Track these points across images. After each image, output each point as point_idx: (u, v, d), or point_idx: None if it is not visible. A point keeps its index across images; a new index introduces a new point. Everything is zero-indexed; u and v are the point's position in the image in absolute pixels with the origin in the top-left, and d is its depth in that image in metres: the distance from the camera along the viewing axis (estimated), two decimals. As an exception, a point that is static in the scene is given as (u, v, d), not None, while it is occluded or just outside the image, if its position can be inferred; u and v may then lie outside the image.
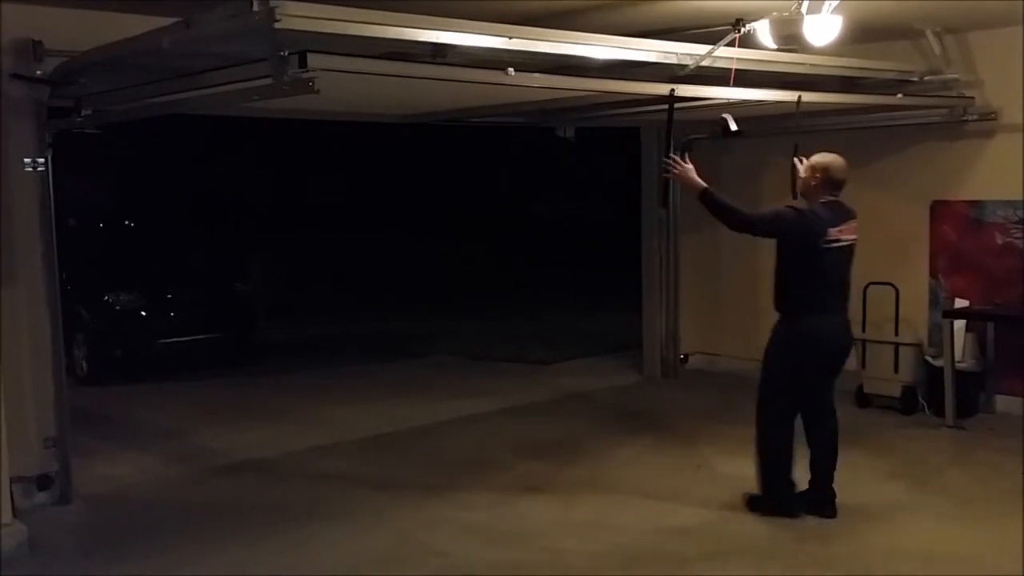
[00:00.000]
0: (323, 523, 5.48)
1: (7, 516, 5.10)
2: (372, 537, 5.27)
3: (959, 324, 7.33)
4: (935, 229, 7.85)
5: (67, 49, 5.35)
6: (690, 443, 6.91)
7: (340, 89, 4.58)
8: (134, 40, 4.51)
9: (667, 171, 5.29)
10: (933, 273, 7.88)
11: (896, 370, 7.64)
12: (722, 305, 9.09)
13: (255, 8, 3.53)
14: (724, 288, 9.10)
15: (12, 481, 5.22)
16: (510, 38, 4.49)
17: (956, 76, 7.30)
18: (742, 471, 5.62)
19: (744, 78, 5.60)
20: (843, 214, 5.18)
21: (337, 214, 20.47)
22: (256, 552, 5.08)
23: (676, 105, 5.42)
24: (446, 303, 15.45)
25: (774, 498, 5.38)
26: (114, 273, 10.36)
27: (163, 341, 9.99)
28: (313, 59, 3.84)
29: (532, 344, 11.40)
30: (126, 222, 12.61)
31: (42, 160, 5.67)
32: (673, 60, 5.31)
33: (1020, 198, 7.33)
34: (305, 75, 3.87)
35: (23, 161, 5.61)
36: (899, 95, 6.96)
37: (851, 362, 7.93)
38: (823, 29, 5.21)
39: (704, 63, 5.36)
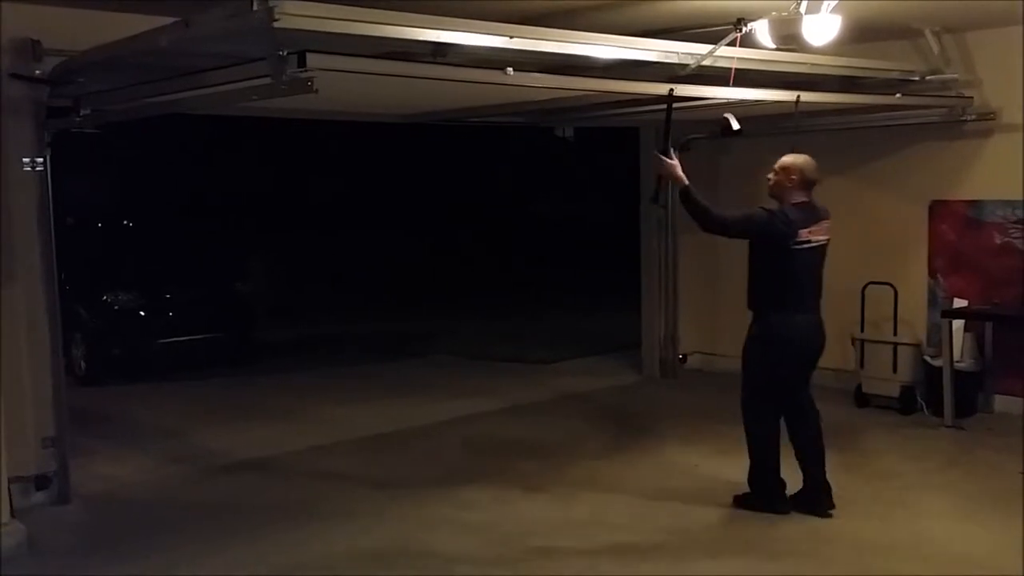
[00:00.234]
0: (323, 523, 5.47)
1: (5, 516, 5.10)
2: (372, 536, 5.27)
3: (958, 324, 7.33)
4: (934, 229, 7.85)
5: (66, 48, 5.35)
6: (689, 443, 6.91)
7: (339, 89, 4.58)
8: (133, 39, 4.51)
9: (660, 166, 5.34)
10: (932, 273, 7.88)
11: (895, 370, 7.64)
12: (721, 305, 9.09)
13: (254, 7, 3.53)
14: (723, 288, 9.09)
15: (10, 481, 5.22)
16: (511, 37, 4.49)
17: (955, 76, 7.30)
18: (740, 471, 5.61)
19: (744, 78, 5.60)
20: (815, 215, 5.24)
21: (337, 214, 20.45)
22: (256, 552, 5.07)
23: (677, 105, 5.43)
24: (446, 303, 15.45)
25: (763, 496, 5.43)
26: (113, 273, 10.36)
27: (162, 341, 9.99)
28: (312, 59, 3.84)
29: (532, 344, 11.40)
30: (125, 222, 12.58)
31: (41, 160, 5.67)
32: (674, 60, 5.32)
33: (1019, 198, 7.33)
34: (304, 75, 3.87)
35: (22, 161, 5.61)
36: (898, 95, 6.96)
37: (850, 362, 8.02)
38: (822, 29, 5.21)
39: (705, 63, 5.36)
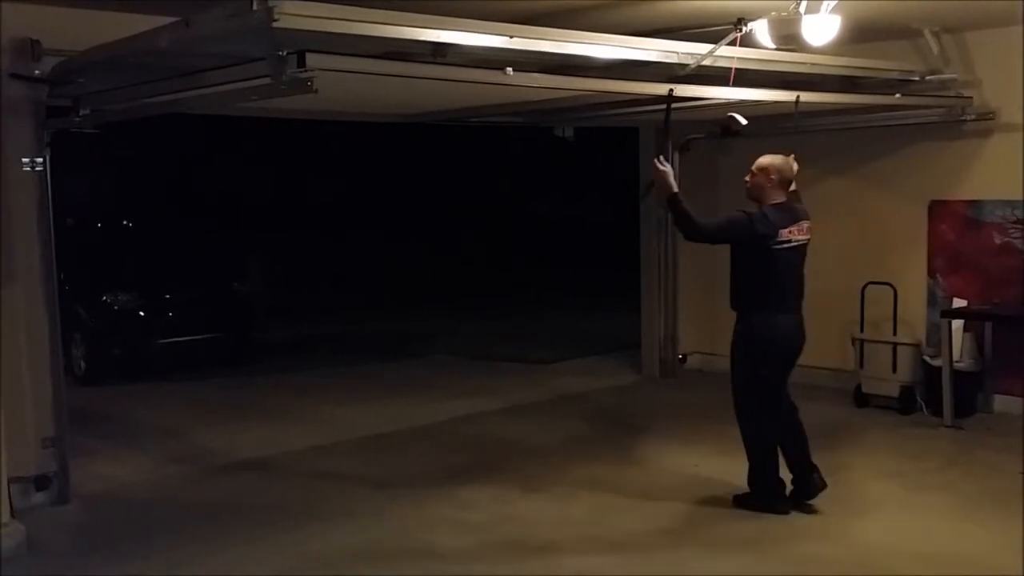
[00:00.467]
0: (323, 523, 5.47)
1: (5, 516, 5.10)
2: (372, 536, 5.27)
3: (957, 324, 7.33)
4: (933, 229, 7.85)
5: (65, 48, 5.34)
6: (689, 443, 6.91)
7: (339, 89, 4.58)
8: (133, 39, 4.51)
9: (654, 170, 5.36)
10: (931, 273, 7.88)
11: (894, 370, 7.64)
12: (721, 305, 8.95)
13: (254, 7, 3.53)
14: (723, 288, 8.98)
15: (10, 481, 5.22)
16: (511, 37, 4.49)
17: (954, 76, 7.31)
18: (740, 471, 5.61)
19: (744, 78, 5.60)
20: (794, 214, 5.29)
21: (336, 214, 20.46)
22: (256, 552, 5.07)
23: (678, 105, 5.44)
24: (446, 303, 15.45)
25: (762, 496, 5.44)
26: (112, 273, 10.35)
27: (162, 341, 9.99)
28: (311, 59, 3.84)
29: (531, 344, 11.40)
30: (124, 222, 12.59)
31: (40, 160, 5.66)
32: (674, 59, 5.32)
33: (1018, 198, 7.33)
34: (303, 75, 3.87)
35: (21, 160, 5.60)
36: (897, 95, 6.96)
37: (849, 362, 8.02)
38: (821, 29, 5.22)
39: (705, 63, 5.36)
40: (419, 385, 9.48)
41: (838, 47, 5.74)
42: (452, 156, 19.99)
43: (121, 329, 9.87)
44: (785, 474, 5.49)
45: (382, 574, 4.81)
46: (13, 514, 5.19)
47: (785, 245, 5.20)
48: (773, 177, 5.27)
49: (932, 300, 7.83)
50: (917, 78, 7.06)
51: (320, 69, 3.88)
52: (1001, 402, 7.52)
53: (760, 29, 5.40)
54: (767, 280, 5.25)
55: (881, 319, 7.84)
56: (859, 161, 8.24)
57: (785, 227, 5.19)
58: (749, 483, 5.55)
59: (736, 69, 5.45)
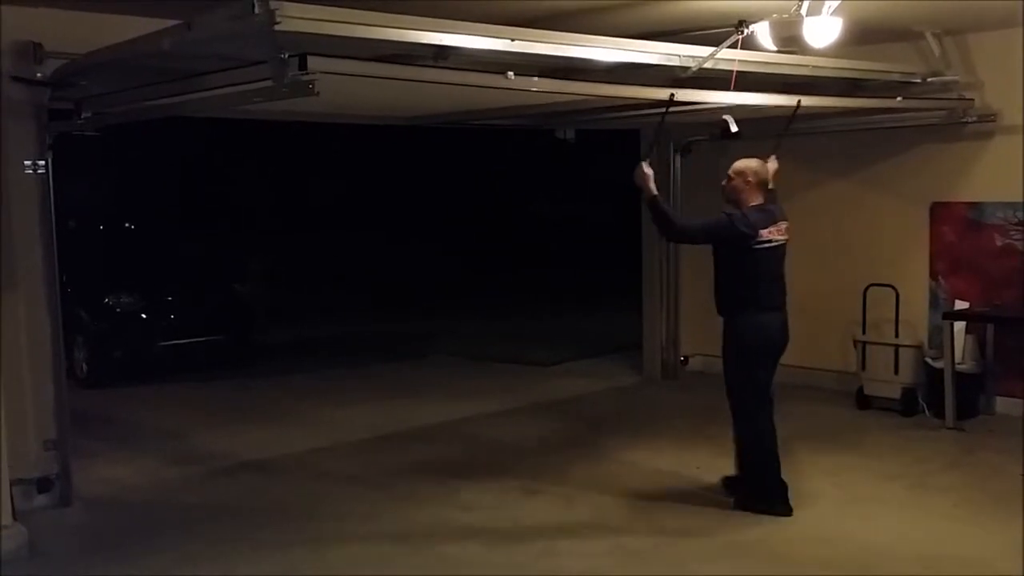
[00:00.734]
0: (323, 524, 5.48)
1: (7, 518, 5.10)
2: (372, 538, 5.27)
3: (959, 326, 7.33)
4: (935, 231, 7.85)
5: (67, 51, 5.35)
6: (690, 445, 6.91)
7: (340, 92, 4.59)
8: (135, 42, 4.52)
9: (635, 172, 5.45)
10: (933, 275, 7.88)
11: (896, 372, 7.64)
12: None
13: (256, 10, 3.53)
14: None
15: (12, 483, 5.21)
16: (513, 40, 4.49)
17: (956, 78, 7.31)
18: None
19: (746, 80, 5.60)
20: (772, 215, 5.41)
21: (337, 215, 20.45)
22: (256, 552, 5.08)
23: (678, 108, 5.46)
24: (446, 304, 15.45)
25: (762, 498, 5.45)
26: (114, 275, 10.36)
27: (163, 343, 10.00)
28: (313, 62, 3.84)
29: (532, 345, 11.40)
30: (126, 224, 12.59)
31: (43, 162, 5.67)
32: (676, 62, 5.32)
33: (1019, 200, 7.33)
34: (305, 77, 3.87)
35: (24, 163, 5.61)
36: (898, 98, 6.96)
37: (851, 364, 8.01)
38: (823, 31, 5.22)
39: (706, 65, 5.36)
40: (419, 386, 9.48)
41: (839, 49, 5.74)
42: (453, 158, 19.98)
43: (123, 331, 9.88)
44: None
45: (382, 574, 4.81)
46: (15, 516, 5.19)
47: (766, 245, 5.33)
48: (751, 180, 5.41)
49: (934, 302, 7.83)
50: (919, 80, 7.06)
51: (322, 72, 3.88)
52: (1003, 404, 7.52)
53: (762, 31, 5.40)
54: (751, 280, 5.37)
55: (883, 321, 7.84)
56: (861, 163, 8.24)
57: (765, 227, 5.32)
58: (749, 484, 5.54)
59: (737, 72, 5.45)
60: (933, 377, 7.41)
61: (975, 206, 7.61)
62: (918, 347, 7.67)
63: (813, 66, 5.96)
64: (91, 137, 6.06)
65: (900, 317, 7.73)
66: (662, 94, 5.34)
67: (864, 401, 7.84)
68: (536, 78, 4.90)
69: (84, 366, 9.74)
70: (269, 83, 4.01)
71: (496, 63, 4.64)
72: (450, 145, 17.82)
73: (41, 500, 5.73)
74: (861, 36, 6.45)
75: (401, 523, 5.50)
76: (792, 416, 7.23)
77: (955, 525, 5.29)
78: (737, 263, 5.37)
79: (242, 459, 6.95)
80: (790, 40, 5.55)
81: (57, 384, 5.81)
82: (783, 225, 5.42)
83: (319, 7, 3.74)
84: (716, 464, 6.33)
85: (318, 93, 3.92)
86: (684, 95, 5.41)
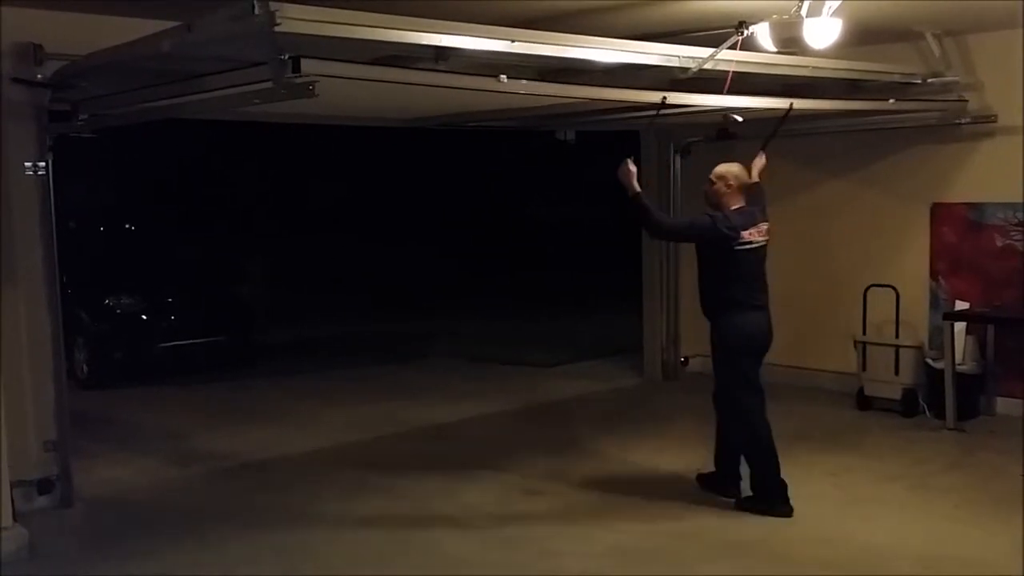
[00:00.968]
0: (323, 524, 5.48)
1: (7, 520, 5.10)
2: (372, 538, 5.27)
3: (959, 326, 7.33)
4: (935, 231, 7.85)
5: (67, 53, 5.35)
6: (690, 446, 6.90)
7: (339, 93, 4.58)
8: (135, 43, 4.52)
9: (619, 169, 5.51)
10: (933, 275, 7.88)
11: (897, 372, 7.64)
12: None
13: (256, 11, 3.53)
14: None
15: (13, 485, 5.22)
16: (512, 41, 4.49)
17: (956, 78, 7.31)
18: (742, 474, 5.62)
19: (745, 81, 5.60)
20: (753, 217, 5.49)
21: (337, 217, 20.45)
22: (257, 553, 5.08)
23: (679, 109, 5.48)
24: (446, 305, 15.45)
25: (763, 498, 5.47)
26: (115, 276, 10.36)
27: (163, 344, 10.01)
28: (306, 64, 3.83)
29: (532, 346, 11.39)
30: (127, 225, 12.59)
31: (43, 164, 5.66)
32: (675, 63, 5.32)
33: (1019, 200, 7.33)
34: (300, 80, 3.87)
35: (24, 164, 5.61)
36: (891, 100, 6.95)
37: (852, 364, 8.01)
38: (823, 32, 5.21)
39: (706, 66, 5.36)
40: (419, 387, 9.48)
41: (839, 50, 5.74)
42: (452, 159, 19.98)
43: (123, 332, 9.89)
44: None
45: (382, 574, 4.82)
46: (15, 517, 5.19)
47: (747, 246, 5.42)
48: (732, 183, 5.50)
49: (934, 302, 7.83)
50: (919, 81, 7.06)
51: (317, 75, 3.87)
52: (1003, 404, 7.52)
53: (761, 32, 5.40)
54: (733, 281, 5.45)
55: (883, 322, 7.84)
56: (861, 164, 8.24)
57: (746, 229, 5.41)
58: (751, 484, 5.54)
59: (736, 73, 5.45)
60: (934, 378, 7.41)
61: (975, 207, 7.61)
62: (918, 348, 7.67)
63: (813, 67, 5.96)
64: (91, 138, 6.07)
65: (900, 318, 7.73)
66: (654, 97, 5.36)
67: (864, 402, 7.84)
68: (525, 81, 4.90)
69: (84, 367, 9.75)
70: (269, 85, 4.00)
71: (496, 64, 4.63)
72: (449, 148, 17.82)
73: (42, 501, 5.72)
74: (861, 37, 6.45)
75: (401, 523, 5.50)
76: (792, 416, 7.25)
77: (956, 526, 5.29)
78: (719, 265, 5.47)
79: (242, 460, 6.95)
80: (790, 41, 5.54)
81: (58, 385, 5.81)
82: (764, 227, 5.51)
83: (319, 8, 3.74)
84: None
85: (317, 95, 3.92)
86: (676, 98, 5.44)
